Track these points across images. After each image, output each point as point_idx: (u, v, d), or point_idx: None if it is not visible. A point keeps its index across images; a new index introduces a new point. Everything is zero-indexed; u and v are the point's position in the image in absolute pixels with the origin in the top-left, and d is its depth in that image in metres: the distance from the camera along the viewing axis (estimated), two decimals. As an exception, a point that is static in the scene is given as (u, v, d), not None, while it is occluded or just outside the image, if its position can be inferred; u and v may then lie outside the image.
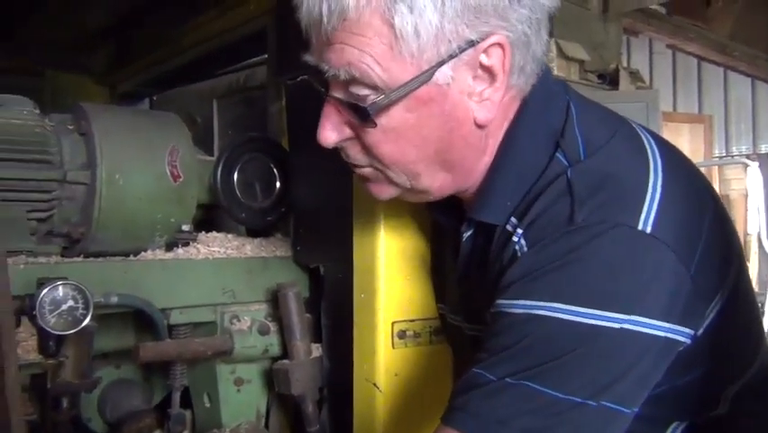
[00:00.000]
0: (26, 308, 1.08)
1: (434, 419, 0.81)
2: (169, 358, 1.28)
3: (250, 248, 1.44)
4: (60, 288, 1.10)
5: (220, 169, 1.45)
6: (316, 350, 1.36)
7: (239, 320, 1.36)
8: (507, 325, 0.78)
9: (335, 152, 0.88)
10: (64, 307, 1.10)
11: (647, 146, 0.82)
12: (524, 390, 0.73)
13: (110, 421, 1.44)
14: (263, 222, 1.50)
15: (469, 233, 0.92)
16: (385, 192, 0.89)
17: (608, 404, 0.73)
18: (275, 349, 1.36)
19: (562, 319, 0.73)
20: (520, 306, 0.76)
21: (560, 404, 0.72)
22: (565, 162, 0.80)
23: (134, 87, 2.23)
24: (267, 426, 1.46)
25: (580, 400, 0.72)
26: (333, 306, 1.34)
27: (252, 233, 1.53)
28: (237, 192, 1.46)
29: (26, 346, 1.12)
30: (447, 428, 0.76)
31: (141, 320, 1.31)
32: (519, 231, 0.80)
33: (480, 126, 0.83)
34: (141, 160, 1.36)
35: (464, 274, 0.96)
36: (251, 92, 2.13)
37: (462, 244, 0.93)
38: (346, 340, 1.26)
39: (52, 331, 1.08)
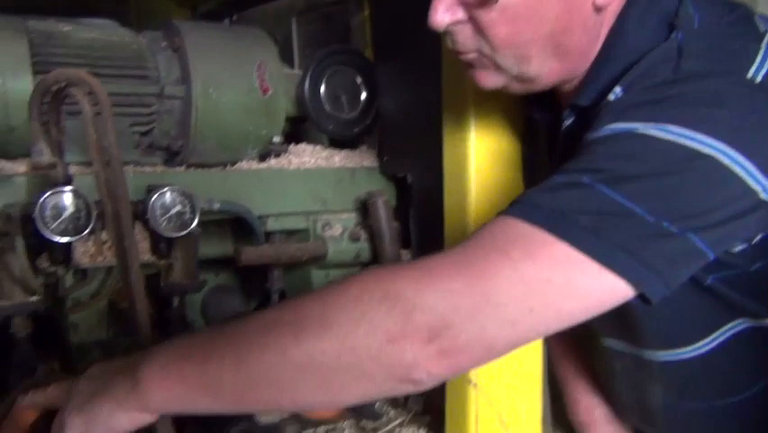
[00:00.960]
0: (139, 212, 1.16)
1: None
2: (268, 262, 1.35)
3: (338, 159, 1.47)
4: (169, 193, 1.17)
5: (307, 81, 1.47)
6: (405, 256, 1.40)
7: (330, 227, 1.41)
8: (592, 141, 0.75)
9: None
10: (173, 211, 1.17)
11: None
12: (597, 191, 0.70)
13: (212, 323, 1.54)
14: (350, 133, 1.52)
15: (569, 121, 0.92)
16: (490, 80, 0.89)
17: (692, 236, 0.70)
18: (366, 255, 1.42)
19: (664, 139, 0.70)
20: (612, 128, 0.74)
21: (634, 218, 0.69)
22: (679, 37, 0.78)
23: (214, 8, 2.25)
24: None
25: (665, 223, 0.69)
26: (421, 214, 1.37)
27: (338, 144, 1.56)
28: (324, 104, 1.48)
29: (140, 248, 1.20)
30: (499, 218, 0.74)
31: (240, 227, 1.38)
32: (618, 89, 0.79)
33: (597, 9, 0.81)
34: (232, 74, 1.39)
35: None
36: (330, 7, 2.12)
37: (560, 138, 0.93)
38: (436, 247, 1.29)
39: (163, 234, 1.16)
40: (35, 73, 1.18)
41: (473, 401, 1.23)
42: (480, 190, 1.18)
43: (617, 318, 0.86)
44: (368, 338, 0.69)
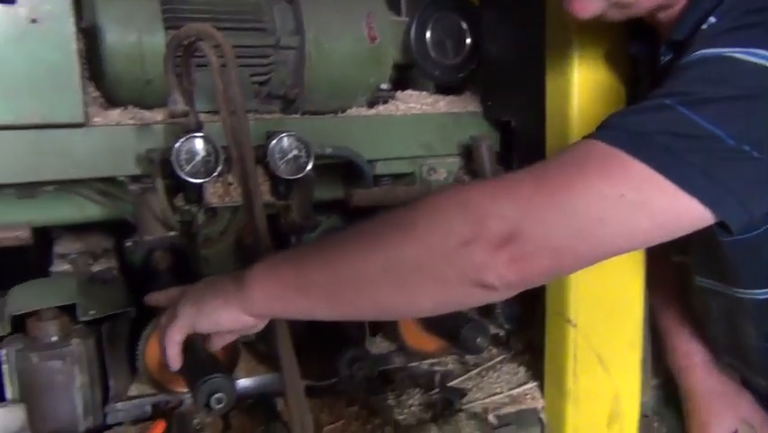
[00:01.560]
0: (260, 156, 1.26)
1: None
2: (378, 203, 1.43)
3: (443, 104, 1.51)
4: (286, 139, 1.26)
5: (413, 28, 1.50)
6: (508, 199, 1.43)
7: (435, 171, 1.47)
8: (681, 67, 0.75)
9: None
10: (290, 155, 1.26)
11: None
12: (678, 113, 0.70)
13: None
14: (455, 79, 1.55)
15: (666, 57, 0.91)
16: (589, 8, 0.89)
17: None
18: (469, 198, 1.46)
19: (752, 62, 0.69)
20: (702, 53, 0.73)
21: (714, 141, 0.68)
22: None
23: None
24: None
25: (746, 147, 0.69)
26: (524, 157, 1.39)
27: (443, 90, 1.60)
28: (430, 51, 1.52)
29: (262, 189, 1.30)
30: (582, 140, 0.76)
31: (350, 171, 1.46)
32: (712, 18, 0.78)
33: None
34: (342, 24, 1.45)
35: None
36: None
37: (658, 75, 0.92)
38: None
39: (282, 176, 1.26)
40: (166, 29, 1.29)
41: (572, 340, 1.27)
42: (582, 133, 1.19)
43: (710, 257, 0.86)
44: (443, 242, 0.72)
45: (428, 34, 1.51)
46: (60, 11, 1.13)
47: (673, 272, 1.29)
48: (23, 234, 1.13)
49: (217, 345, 1.04)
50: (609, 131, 0.74)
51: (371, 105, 1.50)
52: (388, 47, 1.50)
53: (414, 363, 1.50)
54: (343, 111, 1.46)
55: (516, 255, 0.71)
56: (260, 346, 1.39)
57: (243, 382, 1.32)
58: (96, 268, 1.44)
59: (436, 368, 1.49)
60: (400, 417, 1.25)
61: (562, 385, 1.30)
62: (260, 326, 0.97)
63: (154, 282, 1.35)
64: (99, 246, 1.56)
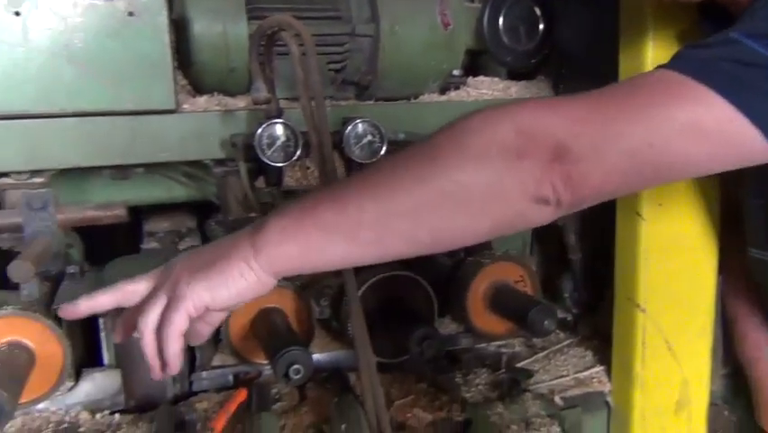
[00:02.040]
0: (336, 141, 1.31)
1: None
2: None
3: (515, 90, 1.53)
4: (361, 125, 1.31)
5: (486, 14, 1.52)
6: (579, 185, 1.44)
7: (506, 156, 1.48)
8: (750, 8, 0.76)
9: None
10: (364, 141, 1.31)
11: None
12: (744, 44, 0.71)
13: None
14: (527, 64, 1.56)
15: None
16: None
17: None
18: (539, 183, 1.47)
19: None
20: None
21: None
22: None
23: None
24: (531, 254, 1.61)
25: None
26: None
27: (515, 76, 1.61)
28: (502, 36, 1.53)
29: (338, 173, 1.36)
30: (645, 72, 0.77)
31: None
32: None
33: None
34: (416, 11, 1.48)
35: None
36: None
37: None
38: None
39: (357, 160, 1.31)
40: (249, 19, 1.35)
41: (641, 326, 1.27)
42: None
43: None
44: (502, 157, 0.72)
45: (501, 20, 1.52)
46: (155, 4, 1.20)
47: (744, 261, 1.27)
48: (120, 213, 1.22)
49: (214, 323, 0.89)
50: (676, 61, 0.75)
51: (443, 91, 1.53)
52: (461, 33, 1.52)
53: (481, 345, 1.54)
54: (416, 97, 1.50)
55: (567, 172, 0.71)
56: (333, 324, 1.45)
57: (318, 357, 1.39)
58: (182, 246, 1.54)
59: (503, 350, 1.52)
60: (467, 394, 1.29)
61: (630, 370, 1.31)
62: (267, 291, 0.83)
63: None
64: (184, 225, 1.65)
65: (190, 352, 1.32)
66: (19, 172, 1.21)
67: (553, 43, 1.53)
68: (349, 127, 1.30)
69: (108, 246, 1.66)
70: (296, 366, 1.10)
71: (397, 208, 0.75)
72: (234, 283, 0.78)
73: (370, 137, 1.31)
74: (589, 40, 1.40)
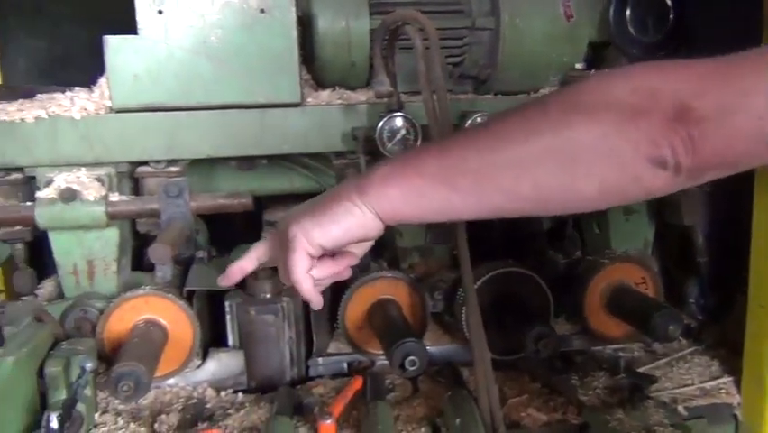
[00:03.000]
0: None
1: None
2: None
3: (641, 84, 1.46)
4: (480, 118, 1.29)
5: (613, 5, 1.46)
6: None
7: (630, 153, 1.43)
8: None
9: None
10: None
11: None
12: None
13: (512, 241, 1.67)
14: (655, 57, 1.49)
15: None
16: None
17: None
18: (665, 182, 1.41)
19: None
20: None
21: None
22: None
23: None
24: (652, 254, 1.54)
25: None
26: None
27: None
28: (629, 28, 1.47)
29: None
30: None
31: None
32: None
33: None
34: (538, 2, 1.44)
35: None
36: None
37: None
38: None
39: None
40: (371, 15, 1.37)
41: (777, 335, 1.19)
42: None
43: None
44: (616, 115, 0.69)
45: (628, 11, 1.46)
46: (284, 1, 1.25)
47: None
48: (247, 202, 1.28)
49: (341, 266, 0.92)
50: None
51: (564, 84, 1.48)
52: (584, 25, 1.47)
53: (596, 348, 1.49)
54: (535, 91, 1.47)
55: (689, 133, 0.67)
56: (445, 318, 1.45)
57: (431, 350, 1.39)
58: (300, 235, 1.59)
59: (621, 354, 1.46)
60: (584, 397, 1.25)
61: (762, 383, 1.23)
62: (378, 234, 0.87)
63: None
64: (300, 216, 1.71)
65: (308, 338, 1.36)
66: (157, 161, 1.29)
67: (684, 35, 1.45)
68: (468, 121, 1.30)
69: (228, 234, 1.75)
70: (411, 358, 1.11)
71: (500, 159, 0.75)
72: (342, 218, 0.83)
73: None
74: (726, 31, 1.31)
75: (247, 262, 0.99)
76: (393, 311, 1.29)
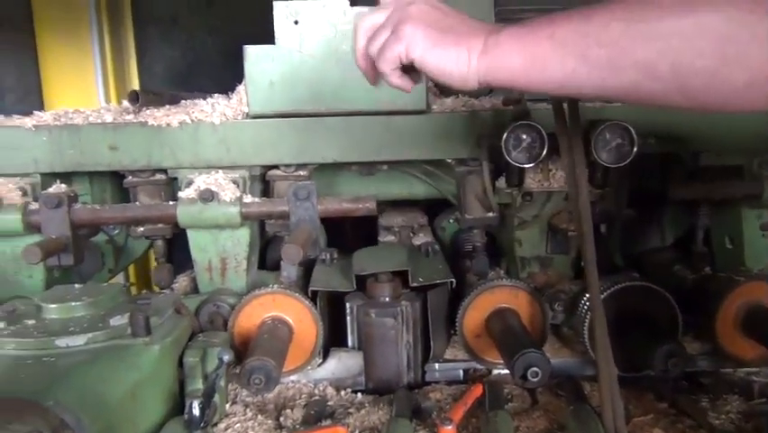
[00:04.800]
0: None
1: None
2: (698, 197, 1.36)
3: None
4: (610, 127, 1.26)
5: None
6: None
7: None
8: None
9: None
10: (613, 144, 1.26)
11: None
12: None
13: (630, 255, 1.61)
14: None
15: None
16: None
17: None
18: (808, 199, 1.31)
19: None
20: None
21: None
22: None
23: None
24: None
25: None
26: None
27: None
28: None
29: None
30: None
31: (670, 162, 1.41)
32: None
33: None
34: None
35: None
36: None
37: None
38: None
39: (603, 163, 1.26)
40: (497, 21, 1.37)
41: None
42: None
43: None
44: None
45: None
46: (413, 10, 1.27)
47: None
48: (371, 206, 1.30)
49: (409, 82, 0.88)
50: None
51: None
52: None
53: (726, 370, 1.40)
54: (668, 99, 1.41)
55: None
56: (564, 330, 1.42)
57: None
58: (417, 241, 1.61)
59: (754, 378, 1.37)
60: (716, 421, 1.18)
61: None
62: (465, 89, 0.84)
63: (471, 258, 1.46)
64: (416, 221, 1.73)
65: (425, 343, 1.37)
66: (287, 165, 1.35)
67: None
68: (597, 129, 1.26)
69: (341, 237, 1.80)
70: (534, 369, 1.09)
71: (646, 30, 0.70)
72: (447, 60, 0.80)
73: (619, 140, 1.26)
74: None
75: (360, 40, 0.89)
76: (513, 320, 1.28)
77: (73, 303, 1.06)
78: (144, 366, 1.00)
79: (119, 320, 1.02)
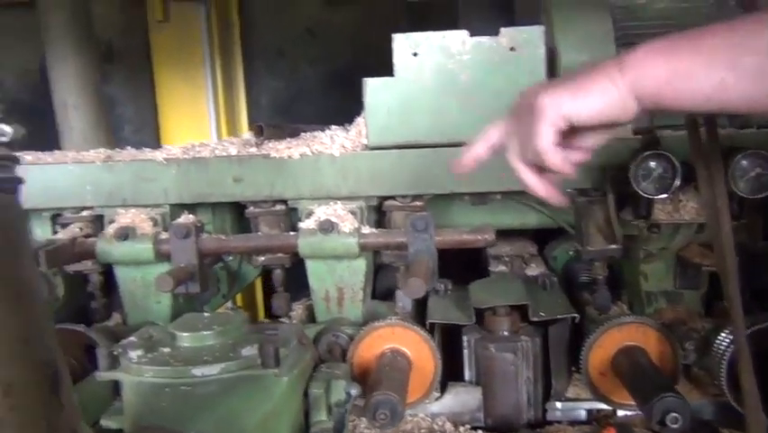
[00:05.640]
0: (717, 174, 1.21)
1: None
2: None
3: None
4: (747, 156, 1.18)
5: None
6: None
7: None
8: None
9: None
10: (751, 174, 1.18)
11: None
12: None
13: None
14: None
15: None
16: None
17: None
18: None
19: None
20: None
21: None
22: None
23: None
24: None
25: None
26: None
27: None
28: None
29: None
30: None
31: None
32: None
33: None
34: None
35: None
36: None
37: None
38: None
39: (741, 194, 1.18)
40: (618, 46, 1.32)
41: None
42: None
43: None
44: None
45: None
46: (535, 37, 1.25)
47: None
48: (490, 238, 1.28)
49: (587, 143, 0.87)
50: None
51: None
52: None
53: None
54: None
55: None
56: (695, 370, 1.34)
57: (681, 404, 1.29)
58: (530, 272, 1.56)
59: None
60: None
61: None
62: (630, 119, 0.81)
63: (591, 291, 1.40)
64: (526, 251, 1.68)
65: (545, 380, 1.32)
66: (404, 196, 1.34)
67: None
68: (735, 158, 1.19)
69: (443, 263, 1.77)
70: (673, 415, 1.03)
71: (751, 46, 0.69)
72: (597, 94, 0.78)
73: (758, 170, 1.18)
74: None
75: (481, 146, 0.94)
76: (643, 360, 1.21)
77: (205, 332, 1.08)
78: (275, 397, 1.00)
79: (250, 350, 1.03)
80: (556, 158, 0.82)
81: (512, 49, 1.26)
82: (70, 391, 0.60)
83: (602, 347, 1.27)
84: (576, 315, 1.29)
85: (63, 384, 0.58)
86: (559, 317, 1.29)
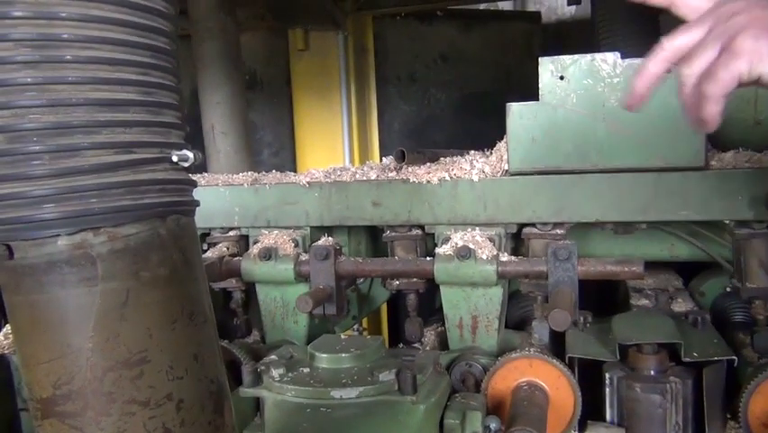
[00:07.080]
0: None
1: None
2: None
3: None
4: None
5: None
6: None
7: None
8: None
9: None
10: None
11: None
12: None
13: None
14: None
15: None
16: None
17: None
18: None
19: None
20: None
21: None
22: None
23: None
24: None
25: None
26: None
27: None
28: None
29: None
30: None
31: None
32: None
33: None
34: None
35: None
36: None
37: None
38: None
39: None
40: None
41: None
42: None
43: None
44: None
45: None
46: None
47: None
48: (639, 270, 1.20)
49: None
50: None
51: None
52: None
53: None
54: None
55: None
56: None
57: None
58: (677, 307, 1.46)
59: None
60: None
61: None
62: None
63: (750, 331, 1.29)
64: (670, 284, 1.57)
65: (696, 426, 1.22)
66: (544, 223, 1.30)
67: None
68: None
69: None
70: None
71: None
72: None
73: None
74: None
75: (659, 60, 0.75)
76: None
77: (343, 354, 1.10)
78: (411, 425, 1.00)
79: (387, 376, 1.03)
80: (713, 111, 0.67)
81: (668, 70, 1.18)
82: (231, 408, 0.62)
83: (764, 395, 1.15)
84: (734, 357, 1.18)
85: (226, 402, 0.60)
86: (716, 358, 1.19)
